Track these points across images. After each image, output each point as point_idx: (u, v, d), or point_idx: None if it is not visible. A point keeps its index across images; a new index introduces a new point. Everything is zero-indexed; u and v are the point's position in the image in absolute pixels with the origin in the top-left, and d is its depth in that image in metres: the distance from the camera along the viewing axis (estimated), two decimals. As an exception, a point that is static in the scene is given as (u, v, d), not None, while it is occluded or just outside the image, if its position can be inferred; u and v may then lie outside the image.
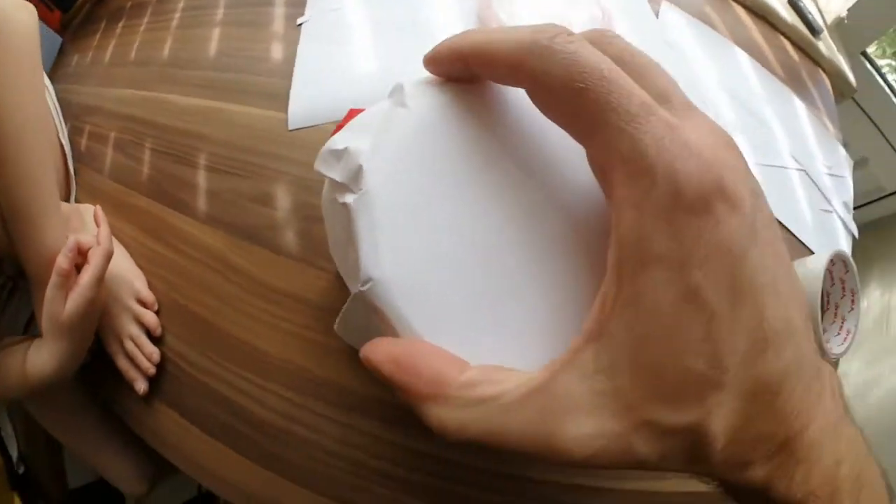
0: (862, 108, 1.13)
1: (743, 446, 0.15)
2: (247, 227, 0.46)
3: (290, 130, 0.47)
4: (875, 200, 1.27)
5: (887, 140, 1.16)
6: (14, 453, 0.64)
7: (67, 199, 0.58)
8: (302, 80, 0.47)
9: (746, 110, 0.62)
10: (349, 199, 0.28)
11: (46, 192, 0.45)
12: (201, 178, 0.49)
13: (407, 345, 0.20)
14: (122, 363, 0.47)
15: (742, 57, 0.68)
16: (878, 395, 1.06)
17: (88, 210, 0.53)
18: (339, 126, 0.32)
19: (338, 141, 0.30)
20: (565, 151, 0.27)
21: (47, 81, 0.63)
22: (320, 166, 0.31)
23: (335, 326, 0.29)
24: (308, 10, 0.52)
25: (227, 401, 0.43)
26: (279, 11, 0.54)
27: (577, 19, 0.50)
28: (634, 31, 0.57)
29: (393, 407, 0.40)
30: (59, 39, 0.75)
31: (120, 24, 0.67)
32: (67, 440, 0.53)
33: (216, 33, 0.56)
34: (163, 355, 0.47)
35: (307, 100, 0.47)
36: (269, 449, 0.42)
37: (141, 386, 0.46)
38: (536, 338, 0.24)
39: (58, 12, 0.74)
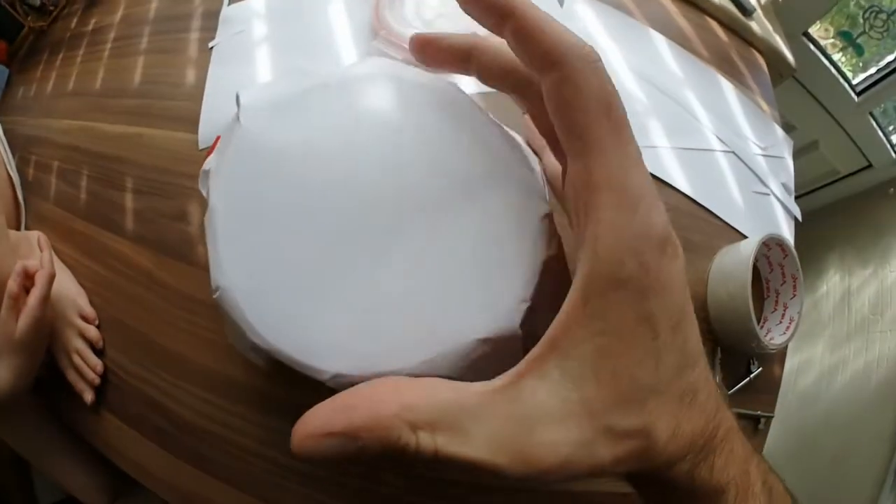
0: (808, 90, 1.11)
1: (680, 443, 0.18)
2: (167, 242, 0.49)
3: (201, 150, 0.50)
4: (830, 184, 1.26)
5: (836, 121, 1.15)
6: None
7: (18, 227, 0.62)
8: (211, 101, 0.51)
9: (663, 94, 0.60)
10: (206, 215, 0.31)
11: None
12: (129, 200, 0.52)
13: (337, 402, 0.18)
14: (71, 376, 0.51)
15: (659, 41, 0.66)
16: (842, 380, 1.06)
17: (35, 236, 0.57)
18: (209, 152, 0.35)
19: (207, 162, 0.33)
20: (393, 153, 0.28)
21: None
22: (199, 185, 0.34)
23: (226, 334, 0.32)
24: (218, 34, 0.55)
25: (158, 405, 0.47)
26: (194, 37, 0.57)
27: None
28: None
29: (304, 409, 0.42)
30: (6, 71, 0.77)
31: (60, 56, 0.70)
32: (29, 454, 0.57)
33: (140, 62, 0.59)
34: (105, 366, 0.50)
35: (215, 120, 0.50)
36: (196, 449, 0.45)
37: (88, 396, 0.50)
38: (383, 320, 0.26)
39: (3, 43, 0.77)
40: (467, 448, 0.16)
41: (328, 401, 0.18)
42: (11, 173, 0.64)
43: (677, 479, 0.18)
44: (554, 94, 0.18)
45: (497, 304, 0.26)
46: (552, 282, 0.29)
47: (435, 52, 0.24)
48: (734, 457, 0.19)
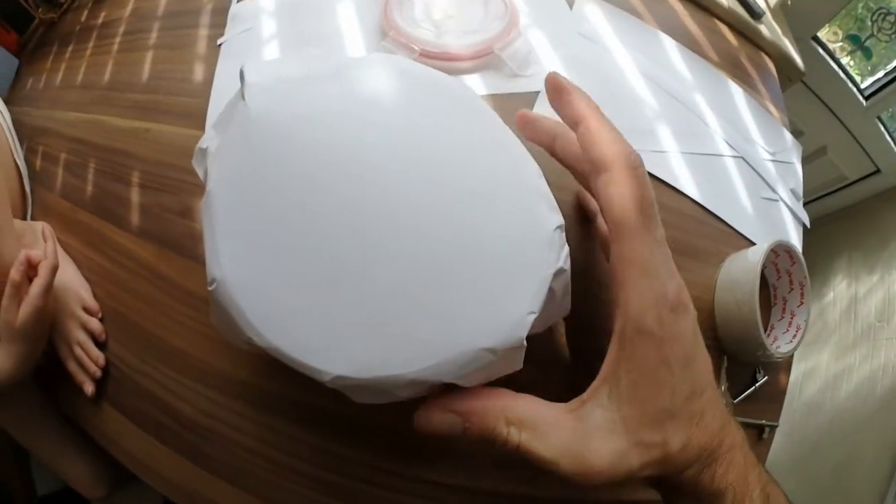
0: (817, 95, 1.11)
1: (689, 454, 0.24)
2: (171, 238, 0.49)
3: (208, 147, 0.50)
4: (838, 190, 1.25)
5: (845, 126, 1.14)
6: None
7: (24, 217, 0.62)
8: (219, 99, 0.50)
9: (672, 98, 0.60)
10: (203, 199, 0.29)
11: (1, 214, 0.49)
12: (134, 195, 0.53)
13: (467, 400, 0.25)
14: (72, 367, 0.51)
15: (668, 44, 0.65)
16: (847, 388, 1.06)
17: (40, 227, 0.57)
18: None
19: (204, 139, 0.31)
20: (404, 147, 0.27)
21: (2, 105, 0.67)
22: (194, 164, 0.32)
23: (212, 319, 0.31)
24: (227, 31, 0.55)
25: (159, 400, 0.47)
26: (203, 33, 0.57)
27: (478, 14, 0.50)
28: (544, 24, 0.55)
29: (305, 408, 0.42)
30: (16, 61, 0.78)
31: (69, 48, 0.70)
32: (27, 442, 0.57)
33: (149, 57, 0.59)
34: (106, 359, 0.50)
35: (222, 117, 0.50)
36: (195, 445, 0.45)
37: (89, 388, 0.50)
38: (388, 322, 0.25)
39: (14, 34, 0.78)
40: (540, 448, 0.24)
41: (451, 392, 0.25)
42: (19, 163, 0.64)
43: (684, 482, 0.24)
44: (602, 191, 0.25)
45: (505, 315, 0.25)
46: (559, 291, 0.28)
47: (532, 129, 0.32)
48: (734, 466, 0.24)
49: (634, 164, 0.24)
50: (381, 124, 0.29)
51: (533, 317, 0.26)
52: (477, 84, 0.48)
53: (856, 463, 0.95)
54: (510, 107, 0.48)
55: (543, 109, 0.49)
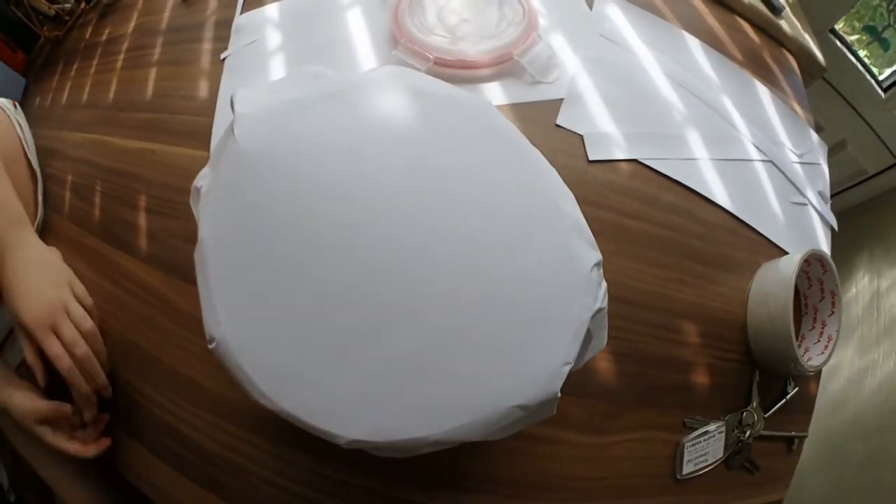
0: (835, 88, 1.09)
1: None
2: (179, 265, 0.48)
3: (214, 169, 0.48)
4: (857, 184, 1.22)
5: (864, 119, 1.12)
6: (4, 482, 0.66)
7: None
8: (223, 117, 0.48)
9: (700, 102, 0.57)
10: (197, 247, 0.26)
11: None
12: (142, 219, 0.51)
13: None
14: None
15: (693, 44, 0.63)
16: (871, 384, 1.03)
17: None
18: None
19: (199, 177, 0.28)
20: (418, 181, 0.25)
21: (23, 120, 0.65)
22: (191, 203, 0.29)
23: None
24: (231, 45, 0.53)
25: (176, 431, 0.46)
26: (207, 47, 0.55)
27: (494, 17, 0.47)
28: (563, 25, 0.53)
29: (322, 441, 0.41)
30: (23, 81, 0.77)
31: (74, 66, 0.69)
32: (31, 458, 0.54)
33: (152, 73, 0.57)
34: (118, 386, 0.49)
35: (229, 137, 0.48)
36: (214, 477, 0.44)
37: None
38: (408, 382, 0.23)
39: (21, 54, 0.77)
40: None
41: None
42: (35, 166, 0.61)
43: None
44: None
45: (538, 368, 0.23)
46: (595, 329, 0.26)
47: None
48: None
49: None
50: (391, 158, 0.26)
51: (568, 367, 0.24)
52: (496, 93, 0.45)
53: (881, 459, 0.92)
54: (533, 117, 0.46)
55: (568, 118, 0.46)
